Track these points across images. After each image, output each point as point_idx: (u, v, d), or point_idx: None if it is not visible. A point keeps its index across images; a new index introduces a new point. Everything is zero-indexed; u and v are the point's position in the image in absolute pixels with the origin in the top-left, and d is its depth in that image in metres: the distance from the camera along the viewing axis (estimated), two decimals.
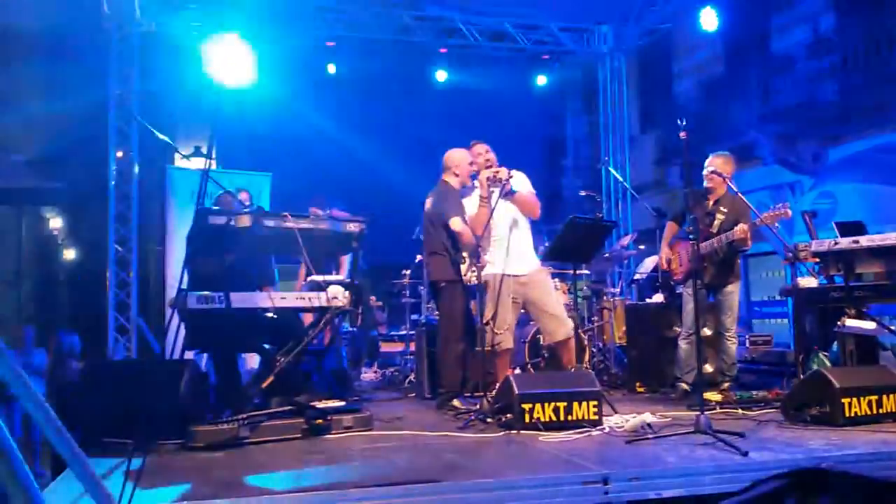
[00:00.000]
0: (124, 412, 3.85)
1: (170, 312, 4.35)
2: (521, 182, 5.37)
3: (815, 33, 11.12)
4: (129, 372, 4.76)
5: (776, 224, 5.38)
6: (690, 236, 5.16)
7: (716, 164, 5.78)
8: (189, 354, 5.17)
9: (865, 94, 9.79)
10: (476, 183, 5.38)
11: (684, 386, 5.84)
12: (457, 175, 5.57)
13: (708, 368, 6.25)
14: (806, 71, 10.72)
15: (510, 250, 5.29)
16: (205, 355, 5.40)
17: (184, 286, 4.08)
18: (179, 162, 11.00)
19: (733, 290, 5.77)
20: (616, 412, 4.75)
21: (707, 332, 6.23)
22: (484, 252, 5.25)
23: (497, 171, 5.17)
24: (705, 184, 5.85)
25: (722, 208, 5.74)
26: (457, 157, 5.61)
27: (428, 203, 5.67)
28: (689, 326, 5.75)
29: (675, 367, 6.05)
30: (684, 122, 4.38)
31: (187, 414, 4.08)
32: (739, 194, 5.60)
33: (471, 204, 5.33)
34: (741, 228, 5.41)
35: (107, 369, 5.24)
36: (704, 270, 5.70)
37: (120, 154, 10.16)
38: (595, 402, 4.37)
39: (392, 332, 9.09)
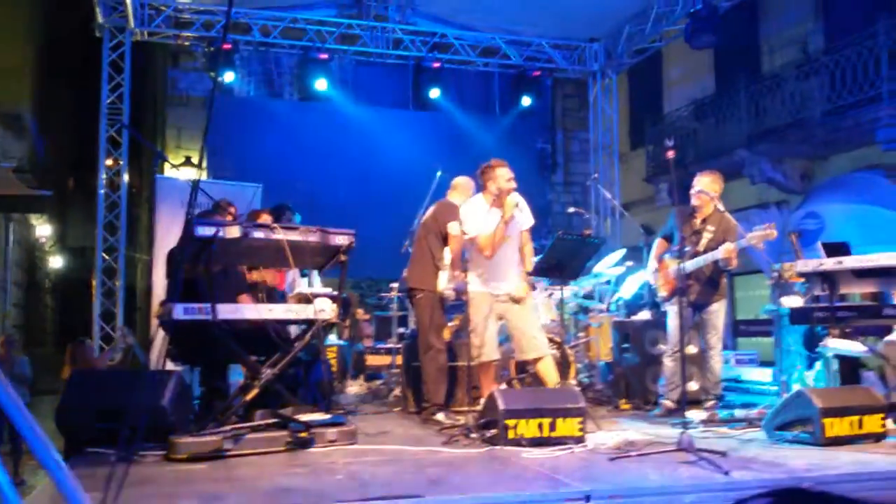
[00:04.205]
0: (109, 422, 3.84)
1: (156, 322, 4.35)
2: (527, 216, 5.50)
3: (805, 54, 11.26)
4: (114, 382, 4.74)
5: (762, 244, 5.42)
6: (677, 254, 5.21)
7: (703, 183, 5.82)
8: (173, 365, 5.19)
9: (853, 115, 9.89)
10: (483, 202, 5.41)
11: (668, 403, 5.86)
12: (462, 199, 5.73)
13: (692, 386, 6.27)
14: (795, 91, 10.83)
15: (498, 270, 5.36)
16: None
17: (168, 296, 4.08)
18: (169, 171, 11.00)
19: (718, 309, 5.80)
20: (600, 429, 4.77)
21: (692, 349, 6.26)
22: (472, 267, 5.31)
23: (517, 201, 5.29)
24: (693, 202, 5.90)
25: (709, 227, 5.78)
26: (467, 185, 5.87)
27: (429, 213, 5.86)
28: (674, 343, 5.79)
29: (659, 384, 6.07)
30: (672, 142, 4.43)
31: (171, 425, 4.07)
32: (727, 213, 5.64)
33: (477, 222, 5.35)
34: (726, 249, 5.45)
35: (92, 378, 5.21)
36: (690, 288, 5.74)
37: (109, 162, 10.16)
38: (579, 419, 4.38)
39: (378, 346, 9.07)
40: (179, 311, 4.10)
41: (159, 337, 4.16)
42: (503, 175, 5.33)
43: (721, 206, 5.69)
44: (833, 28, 11.07)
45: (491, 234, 5.19)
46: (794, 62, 11.24)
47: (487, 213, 5.23)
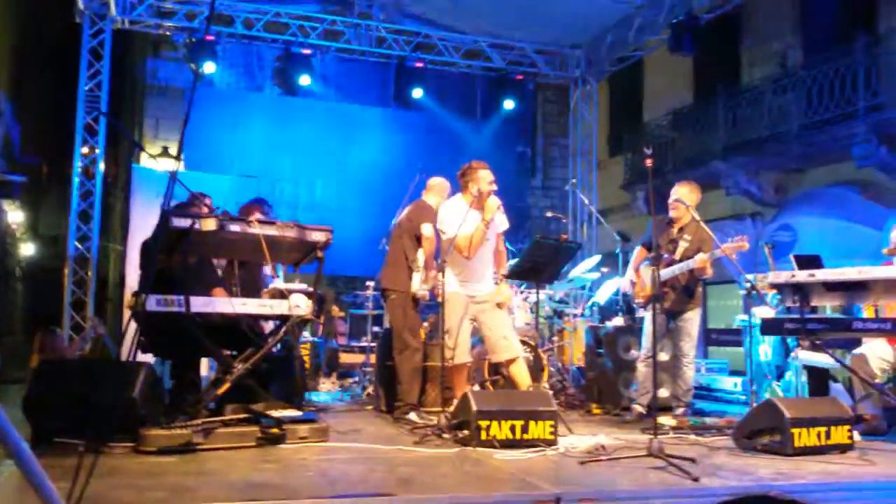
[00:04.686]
0: (77, 412, 3.80)
1: (128, 313, 4.31)
2: (503, 219, 5.51)
3: (783, 68, 11.40)
4: (83, 372, 4.67)
5: (734, 255, 5.49)
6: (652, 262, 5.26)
7: (681, 193, 5.88)
8: (145, 357, 5.13)
9: (829, 130, 10.04)
10: (463, 203, 5.40)
11: (639, 408, 5.91)
12: (438, 200, 5.76)
13: (663, 393, 6.33)
14: (772, 104, 10.96)
15: (474, 271, 5.37)
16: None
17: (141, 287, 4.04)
18: (146, 162, 10.89)
19: (693, 317, 5.86)
20: (571, 433, 4.79)
21: (664, 356, 6.32)
22: (448, 268, 5.31)
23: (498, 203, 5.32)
24: (670, 212, 5.95)
25: (686, 236, 5.85)
26: (443, 186, 5.89)
27: (404, 213, 5.86)
28: (648, 349, 5.84)
29: (632, 388, 6.12)
30: (650, 150, 4.47)
31: (141, 417, 4.03)
32: (702, 223, 5.70)
33: (456, 223, 5.32)
34: (700, 258, 5.52)
35: (61, 368, 5.14)
36: (666, 296, 5.79)
37: (85, 150, 10.03)
38: (551, 423, 4.39)
39: (353, 344, 9.05)
40: (152, 303, 4.06)
41: (131, 328, 4.11)
42: (485, 177, 5.32)
43: (697, 216, 5.75)
44: (812, 44, 11.22)
45: (471, 236, 5.19)
46: (772, 76, 11.39)
47: (467, 214, 5.23)
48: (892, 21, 9.80)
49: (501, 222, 5.48)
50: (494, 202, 5.28)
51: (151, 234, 4.69)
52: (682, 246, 5.82)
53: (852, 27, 10.04)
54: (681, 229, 5.90)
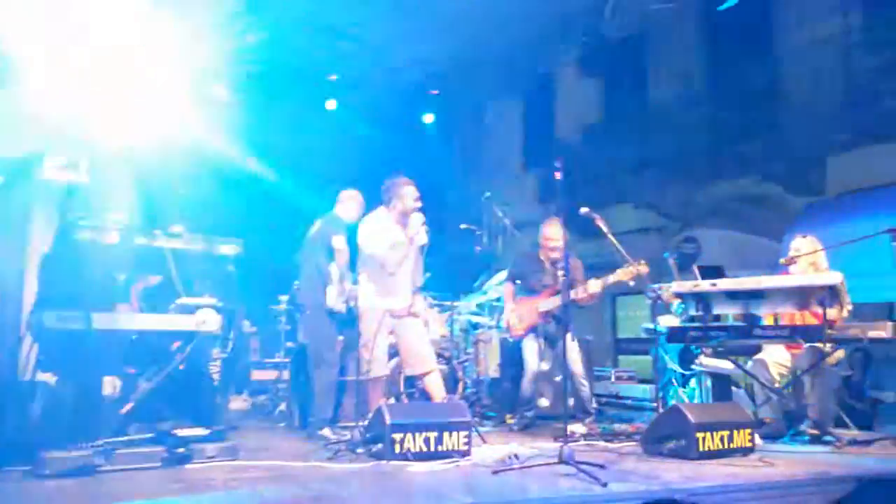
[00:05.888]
0: None
1: (25, 331, 4.12)
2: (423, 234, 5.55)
3: (690, 87, 11.83)
4: None
5: (631, 280, 5.73)
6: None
7: (552, 232, 6.26)
8: (43, 376, 4.89)
9: (732, 146, 10.48)
10: (387, 218, 5.43)
11: (526, 420, 6.22)
12: (350, 212, 5.84)
13: (544, 402, 6.56)
14: (678, 121, 11.35)
15: (395, 285, 5.40)
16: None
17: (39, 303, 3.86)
18: (48, 174, 10.40)
19: (572, 344, 6.05)
20: (485, 443, 4.82)
21: (545, 366, 6.57)
22: (366, 282, 5.32)
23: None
24: (551, 254, 6.30)
25: (560, 264, 6.13)
26: (354, 198, 5.95)
27: (315, 227, 5.81)
28: (533, 371, 6.19)
29: (517, 402, 6.40)
30: (560, 164, 4.57)
31: (36, 439, 3.84)
32: (575, 258, 6.27)
33: (380, 239, 5.33)
34: (584, 290, 5.94)
35: None
36: (547, 324, 6.19)
37: None
38: (465, 433, 4.42)
39: (265, 360, 8.86)
40: (51, 319, 3.89)
41: (29, 346, 3.93)
42: (410, 194, 5.39)
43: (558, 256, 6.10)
44: (717, 63, 11.68)
45: (395, 252, 5.23)
46: (678, 94, 11.80)
47: (391, 230, 5.28)
48: (790, 41, 10.28)
49: (420, 237, 5.50)
50: (419, 219, 5.31)
51: (50, 247, 4.50)
52: (561, 276, 6.09)
53: (754, 46, 10.49)
54: (553, 262, 6.20)
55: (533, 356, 6.15)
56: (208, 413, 5.10)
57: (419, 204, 5.38)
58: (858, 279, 5.47)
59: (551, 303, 6.08)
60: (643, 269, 5.74)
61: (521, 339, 6.29)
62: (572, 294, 5.82)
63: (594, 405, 6.32)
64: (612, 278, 5.79)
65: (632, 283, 5.76)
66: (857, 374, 7.30)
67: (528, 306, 6.26)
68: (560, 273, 6.01)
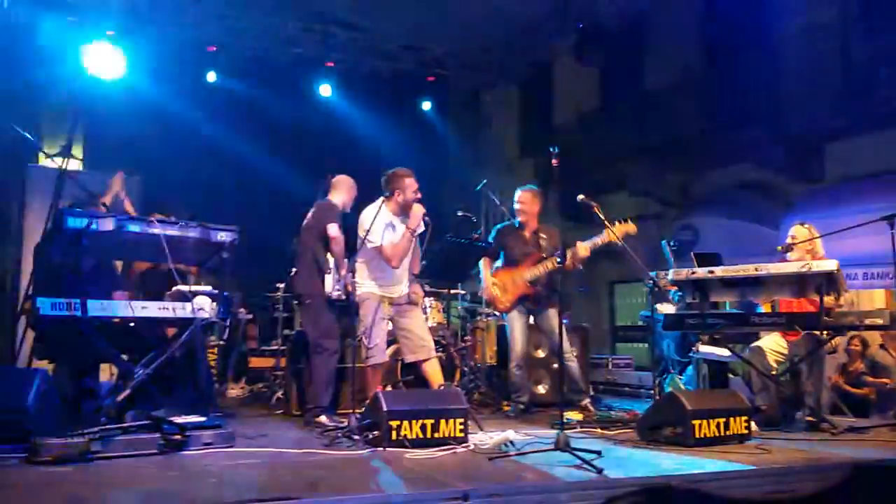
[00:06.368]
0: None
1: (22, 318, 4.11)
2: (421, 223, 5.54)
3: (685, 73, 11.80)
4: None
5: (621, 239, 5.67)
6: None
7: (525, 199, 6.24)
8: (40, 363, 4.89)
9: (728, 133, 10.45)
10: (387, 210, 5.41)
11: (521, 406, 6.14)
12: (343, 198, 5.77)
13: (540, 390, 6.56)
14: (675, 108, 11.32)
15: (395, 275, 5.46)
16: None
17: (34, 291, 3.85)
18: (44, 161, 10.38)
19: (554, 315, 6.01)
20: (482, 429, 4.83)
21: (540, 354, 6.55)
22: (366, 270, 5.34)
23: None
24: (518, 218, 6.25)
25: (542, 235, 6.17)
26: (348, 183, 5.85)
27: (310, 215, 5.76)
28: (518, 354, 6.10)
29: (509, 389, 6.33)
30: (556, 150, 4.56)
31: (34, 426, 3.84)
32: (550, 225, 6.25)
33: (381, 231, 5.34)
34: (583, 246, 5.84)
35: None
36: (536, 294, 6.08)
37: None
38: (462, 420, 4.41)
39: (263, 347, 8.85)
40: (46, 307, 3.88)
41: (28, 334, 3.92)
42: (411, 185, 5.41)
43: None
44: (713, 50, 11.65)
45: (398, 245, 5.25)
46: (675, 81, 11.76)
47: (392, 222, 5.31)
48: (788, 28, 10.24)
49: (420, 228, 5.51)
50: (420, 210, 5.32)
51: (43, 235, 4.48)
52: (543, 245, 6.13)
53: (751, 35, 10.46)
54: (534, 231, 6.18)
55: (520, 334, 6.10)
56: (205, 400, 5.10)
57: (419, 195, 5.39)
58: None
59: (538, 269, 6.02)
60: (631, 227, 5.72)
61: (506, 312, 6.24)
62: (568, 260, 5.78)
63: (589, 386, 6.28)
64: (599, 240, 5.78)
65: (620, 243, 5.67)
66: (853, 361, 7.32)
67: (512, 276, 6.19)
68: (542, 240, 6.10)
